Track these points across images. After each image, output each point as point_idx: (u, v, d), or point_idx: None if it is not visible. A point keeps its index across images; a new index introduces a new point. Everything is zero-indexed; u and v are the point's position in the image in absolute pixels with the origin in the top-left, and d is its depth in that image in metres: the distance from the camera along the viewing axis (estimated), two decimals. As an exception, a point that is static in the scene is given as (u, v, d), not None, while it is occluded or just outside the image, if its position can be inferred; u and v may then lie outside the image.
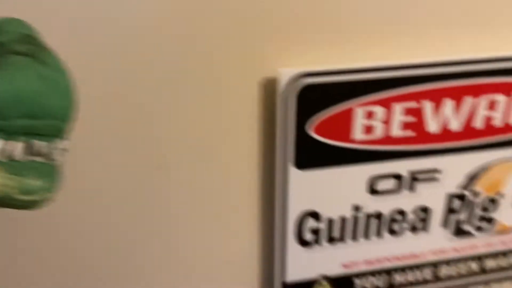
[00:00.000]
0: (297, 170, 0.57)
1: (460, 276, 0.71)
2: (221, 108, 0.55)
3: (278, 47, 0.53)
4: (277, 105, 0.53)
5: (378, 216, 0.63)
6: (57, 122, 0.28)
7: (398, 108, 0.56)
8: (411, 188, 0.61)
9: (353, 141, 0.56)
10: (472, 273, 0.71)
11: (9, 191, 0.28)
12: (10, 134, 0.27)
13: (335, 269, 0.65)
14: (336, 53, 0.54)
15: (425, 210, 0.64)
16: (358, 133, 0.56)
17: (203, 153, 0.58)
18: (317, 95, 0.53)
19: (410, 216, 0.64)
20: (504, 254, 0.70)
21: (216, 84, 0.54)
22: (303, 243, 0.62)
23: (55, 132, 0.29)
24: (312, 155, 0.56)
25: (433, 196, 0.63)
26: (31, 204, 0.29)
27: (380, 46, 0.55)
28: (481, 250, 0.69)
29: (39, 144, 0.28)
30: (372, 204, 0.62)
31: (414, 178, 0.61)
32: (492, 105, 0.58)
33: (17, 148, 0.27)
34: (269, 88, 0.54)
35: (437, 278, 0.70)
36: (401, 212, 0.63)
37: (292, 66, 0.52)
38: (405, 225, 0.64)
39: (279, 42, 0.53)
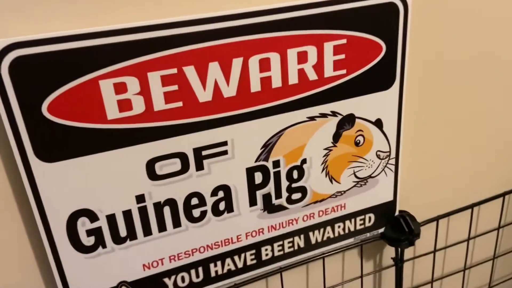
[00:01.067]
0: (45, 164, 0.47)
1: (287, 255, 0.66)
2: None
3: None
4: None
5: (170, 203, 0.55)
6: None
7: (154, 77, 0.49)
8: (201, 166, 0.55)
9: (110, 121, 0.48)
10: (299, 250, 0.67)
11: None
12: None
13: (136, 272, 0.57)
14: (60, 14, 0.45)
15: (224, 189, 0.57)
16: (112, 111, 0.48)
17: None
18: (40, 69, 0.43)
19: (209, 199, 0.57)
20: (327, 224, 0.67)
21: None
22: (82, 248, 0.53)
23: None
24: (60, 143, 0.47)
25: (229, 173, 0.57)
26: None
27: (124, 3, 0.47)
28: (301, 223, 0.65)
29: None
30: (159, 191, 0.54)
31: (201, 155, 0.54)
32: (265, 65, 0.53)
33: None
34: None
35: (261, 261, 0.65)
36: (197, 195, 0.56)
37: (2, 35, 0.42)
38: (205, 209, 0.58)
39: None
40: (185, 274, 0.60)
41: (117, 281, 0.56)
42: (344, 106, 0.59)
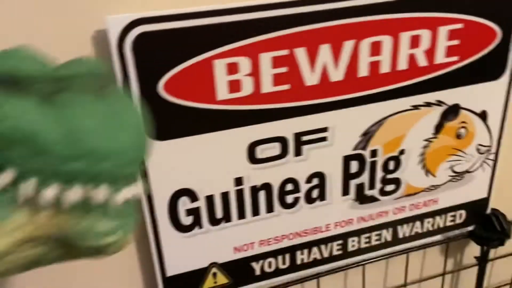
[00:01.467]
0: (155, 142, 0.47)
1: (373, 248, 0.64)
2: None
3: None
4: (113, 63, 0.43)
5: (266, 187, 0.55)
6: (119, 165, 0.25)
7: (266, 58, 0.47)
8: (299, 152, 0.53)
9: (219, 102, 0.48)
10: (385, 244, 0.64)
11: (74, 233, 0.26)
12: (67, 180, 0.24)
13: (226, 255, 0.57)
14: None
15: (319, 176, 0.56)
16: (222, 91, 0.47)
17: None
18: (161, 46, 0.43)
19: (304, 185, 0.56)
20: (417, 219, 0.64)
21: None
22: (181, 227, 0.53)
23: (117, 176, 0.26)
24: (170, 122, 0.47)
25: (326, 160, 0.55)
26: (103, 249, 0.27)
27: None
28: (391, 216, 0.63)
29: (99, 190, 0.25)
30: (257, 175, 0.53)
31: (300, 140, 0.53)
32: (376, 48, 0.50)
33: (74, 194, 0.25)
34: (101, 42, 0.44)
35: (347, 253, 0.63)
36: (292, 181, 0.55)
37: (125, 11, 0.42)
38: (299, 195, 0.57)
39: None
40: (273, 260, 0.59)
41: (208, 261, 0.56)
42: (450, 96, 0.56)
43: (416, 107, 0.55)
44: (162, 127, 0.46)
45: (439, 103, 0.56)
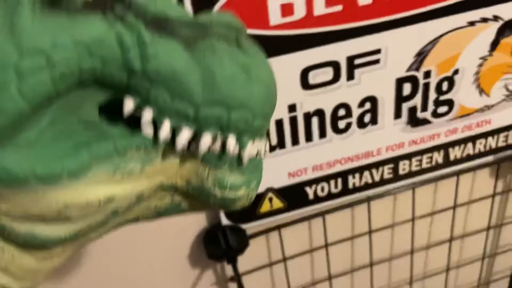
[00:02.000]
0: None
1: (423, 170, 0.65)
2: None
3: None
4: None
5: (319, 113, 0.56)
6: (253, 116, 0.26)
7: (318, -22, 0.46)
8: (351, 76, 0.53)
9: (272, 27, 0.48)
10: (436, 166, 0.65)
11: (205, 183, 0.27)
12: (201, 125, 0.25)
13: (281, 180, 0.59)
14: None
15: (371, 100, 0.56)
16: (275, 16, 0.47)
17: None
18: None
19: (356, 110, 0.57)
20: (469, 140, 0.64)
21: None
22: (238, 155, 0.55)
23: (249, 127, 0.26)
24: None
25: (379, 83, 0.55)
26: (228, 202, 0.28)
27: None
28: (443, 139, 0.63)
29: (231, 139, 0.26)
30: (310, 101, 0.54)
31: (353, 64, 0.53)
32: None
33: (207, 139, 0.25)
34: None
35: (397, 176, 0.64)
36: (345, 106, 0.56)
37: None
38: (351, 120, 0.57)
39: None
40: (325, 184, 0.62)
41: (265, 187, 0.59)
42: (507, 10, 0.53)
43: (472, 23, 0.53)
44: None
45: (496, 18, 0.54)
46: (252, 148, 0.27)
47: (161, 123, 0.25)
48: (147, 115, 0.24)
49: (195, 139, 0.25)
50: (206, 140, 0.25)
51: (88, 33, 0.22)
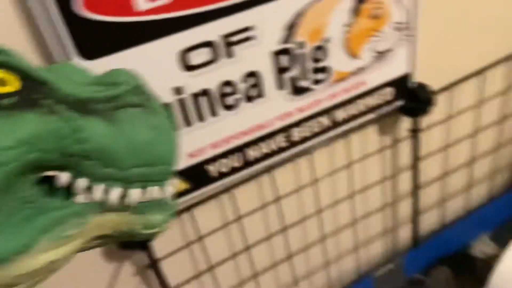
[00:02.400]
0: (86, 62, 0.49)
1: (315, 134, 0.71)
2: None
3: None
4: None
5: (206, 93, 0.58)
6: (167, 167, 0.31)
7: (178, -37, 0.48)
8: (230, 54, 0.57)
9: (137, 13, 0.49)
10: (325, 129, 0.71)
11: (135, 228, 0.31)
12: (128, 183, 0.30)
13: (182, 161, 0.62)
14: None
15: (254, 75, 0.60)
16: (140, 1, 0.48)
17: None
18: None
19: (240, 85, 0.60)
20: (349, 101, 0.70)
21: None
22: (132, 143, 0.56)
23: (165, 176, 0.31)
24: (95, 40, 0.48)
25: (257, 58, 0.59)
26: (152, 235, 0.33)
27: None
28: (327, 103, 0.68)
29: (153, 188, 0.31)
30: (194, 82, 0.57)
31: (229, 42, 0.56)
32: None
33: (135, 193, 0.30)
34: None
35: (292, 143, 0.69)
36: (229, 83, 0.59)
37: None
38: (238, 96, 0.61)
39: None
40: (226, 160, 0.65)
41: (166, 171, 0.61)
42: (361, -21, 0.59)
43: (331, -6, 0.58)
44: (88, 46, 0.48)
45: (352, -13, 0.59)
46: (169, 190, 0.33)
47: (95, 188, 0.29)
48: (82, 184, 0.29)
49: (124, 195, 0.30)
50: (135, 194, 0.30)
51: (27, 130, 0.26)
